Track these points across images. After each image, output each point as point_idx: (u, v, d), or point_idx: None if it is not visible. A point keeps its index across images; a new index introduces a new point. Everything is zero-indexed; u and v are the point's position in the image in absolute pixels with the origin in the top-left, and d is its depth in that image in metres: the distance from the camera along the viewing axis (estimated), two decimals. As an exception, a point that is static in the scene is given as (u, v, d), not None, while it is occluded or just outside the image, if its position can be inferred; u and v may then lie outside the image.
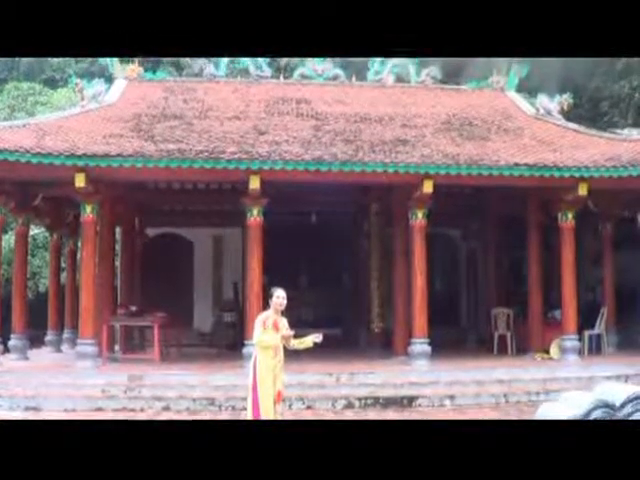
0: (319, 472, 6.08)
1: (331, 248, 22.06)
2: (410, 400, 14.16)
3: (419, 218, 16.57)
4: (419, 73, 22.78)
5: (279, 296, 9.21)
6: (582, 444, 6.06)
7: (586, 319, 18.62)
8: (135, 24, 7.28)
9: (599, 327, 18.78)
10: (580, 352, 17.30)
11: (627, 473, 5.84)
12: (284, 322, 9.27)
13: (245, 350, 14.92)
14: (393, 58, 21.82)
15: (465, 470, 5.99)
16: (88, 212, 15.91)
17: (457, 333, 21.66)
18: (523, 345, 18.56)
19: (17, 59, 41.22)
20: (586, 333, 18.42)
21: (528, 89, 25.30)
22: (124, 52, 8.14)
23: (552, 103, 20.69)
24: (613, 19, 7.33)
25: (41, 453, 6.37)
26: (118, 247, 20.83)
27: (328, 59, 22.73)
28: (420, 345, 16.22)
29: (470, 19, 7.39)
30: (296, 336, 9.29)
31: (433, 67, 23.62)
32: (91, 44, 7.47)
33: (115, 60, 21.83)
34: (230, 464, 6.31)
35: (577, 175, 16.05)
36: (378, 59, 22.58)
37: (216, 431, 6.77)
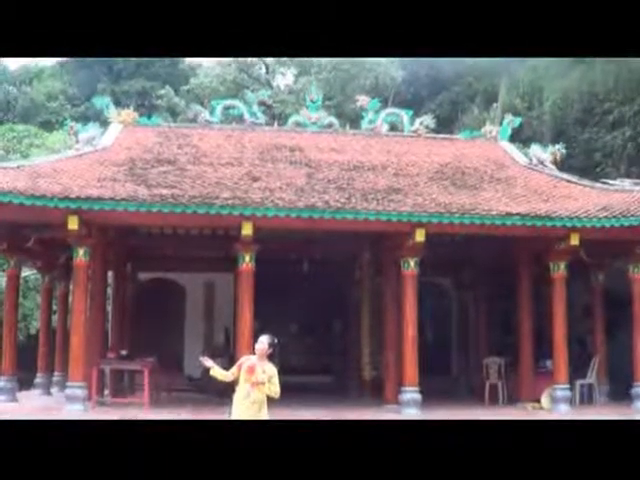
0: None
1: (322, 296, 21.98)
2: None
3: (411, 267, 16.57)
4: (412, 122, 22.89)
5: (259, 341, 9.38)
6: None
7: (578, 369, 18.59)
8: (132, 24, 7.38)
9: (590, 377, 18.75)
10: (572, 402, 17.27)
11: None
12: (268, 368, 9.18)
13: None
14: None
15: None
16: (80, 255, 15.86)
17: (448, 382, 21.55)
18: (514, 394, 18.50)
19: (13, 102, 41.52)
20: (578, 383, 18.37)
21: (521, 139, 25.48)
22: (123, 52, 8.21)
23: (545, 153, 20.86)
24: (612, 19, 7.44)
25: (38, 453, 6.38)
26: (110, 291, 20.77)
27: (322, 108, 22.88)
28: (411, 394, 16.12)
29: (470, 19, 7.48)
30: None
31: (426, 116, 23.81)
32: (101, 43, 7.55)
33: (110, 105, 22.00)
34: (229, 464, 6.33)
35: (569, 225, 16.11)
36: (371, 110, 22.78)
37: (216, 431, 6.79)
